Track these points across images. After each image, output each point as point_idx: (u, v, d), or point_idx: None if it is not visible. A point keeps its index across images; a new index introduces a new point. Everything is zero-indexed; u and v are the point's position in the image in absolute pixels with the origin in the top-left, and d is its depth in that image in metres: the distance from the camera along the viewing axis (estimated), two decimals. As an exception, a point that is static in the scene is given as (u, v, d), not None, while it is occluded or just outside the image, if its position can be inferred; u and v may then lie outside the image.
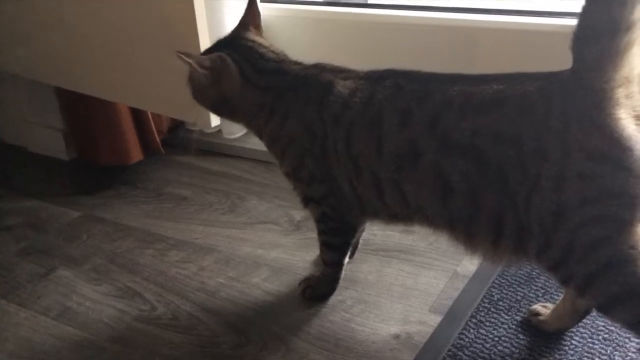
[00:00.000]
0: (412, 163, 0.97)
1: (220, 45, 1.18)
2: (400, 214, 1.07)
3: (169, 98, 1.45)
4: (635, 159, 0.81)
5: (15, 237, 1.52)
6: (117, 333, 1.19)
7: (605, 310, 0.89)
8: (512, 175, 0.88)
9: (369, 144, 1.01)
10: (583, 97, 0.84)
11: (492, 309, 1.15)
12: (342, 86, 1.06)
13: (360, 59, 1.54)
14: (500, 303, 1.16)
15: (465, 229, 0.97)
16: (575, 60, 0.85)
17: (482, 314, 1.14)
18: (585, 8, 0.83)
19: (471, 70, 1.42)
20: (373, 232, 1.40)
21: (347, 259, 1.24)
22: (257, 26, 1.21)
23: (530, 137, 0.86)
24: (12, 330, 1.21)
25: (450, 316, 1.16)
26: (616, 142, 0.81)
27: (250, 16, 1.20)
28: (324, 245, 1.22)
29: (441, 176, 0.94)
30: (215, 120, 1.44)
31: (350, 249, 1.24)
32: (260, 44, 1.17)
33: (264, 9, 1.66)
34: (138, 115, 1.71)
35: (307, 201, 1.18)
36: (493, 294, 1.18)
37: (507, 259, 0.96)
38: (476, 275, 1.25)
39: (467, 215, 0.95)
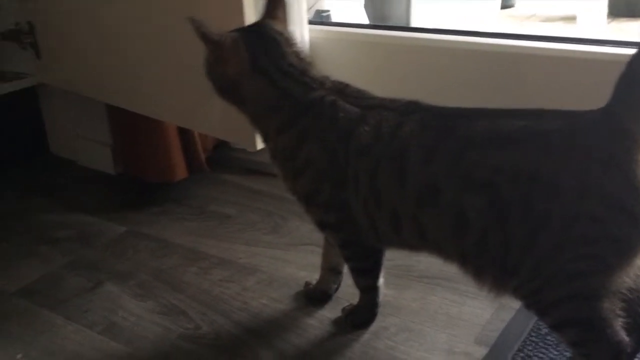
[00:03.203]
0: (433, 199, 0.96)
1: (244, 29, 1.13)
2: (415, 245, 1.07)
3: (217, 119, 1.48)
4: None
5: (63, 250, 1.56)
6: (162, 350, 1.21)
7: (557, 329, 0.95)
8: (513, 214, 0.89)
9: (392, 178, 1.00)
10: (613, 139, 0.85)
11: (541, 344, 1.13)
12: (371, 117, 1.03)
13: (402, 82, 1.55)
14: (549, 337, 1.14)
15: (475, 264, 0.97)
16: (613, 101, 0.86)
17: (530, 347, 1.12)
18: (637, 57, 0.84)
19: (512, 96, 1.43)
20: (417, 259, 1.39)
21: (381, 281, 1.22)
22: (280, 18, 1.13)
23: (547, 175, 0.87)
24: (59, 344, 1.24)
25: (497, 349, 1.14)
26: (635, 190, 0.83)
27: (273, 6, 1.13)
28: (353, 271, 1.21)
29: (459, 212, 0.94)
30: (260, 142, 1.45)
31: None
32: (286, 41, 1.10)
33: (310, 31, 1.68)
34: (184, 134, 1.74)
35: (323, 226, 1.16)
36: (541, 327, 1.16)
37: (506, 293, 0.97)
38: (523, 307, 1.23)
39: (478, 251, 0.95)
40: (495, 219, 0.91)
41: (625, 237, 0.85)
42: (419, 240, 1.04)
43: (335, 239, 1.18)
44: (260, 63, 1.08)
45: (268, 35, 1.10)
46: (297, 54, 1.11)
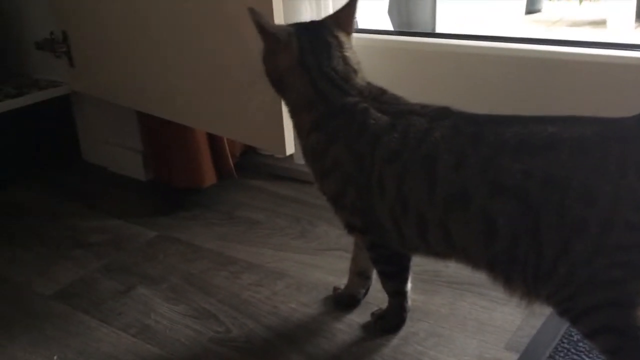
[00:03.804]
0: (462, 205, 0.96)
1: (302, 25, 1.16)
2: (441, 252, 1.07)
3: (247, 126, 1.50)
4: None
5: (97, 254, 1.59)
6: (194, 353, 1.22)
7: (590, 337, 0.94)
8: (545, 221, 0.88)
9: (420, 183, 1.01)
10: None
11: (572, 350, 1.12)
12: (400, 124, 1.04)
13: (429, 89, 1.56)
14: (581, 344, 1.13)
15: (505, 272, 0.97)
16: None
17: (561, 354, 1.11)
18: None
19: (540, 101, 1.43)
20: (445, 264, 1.39)
21: (409, 286, 1.22)
22: (347, 30, 1.15)
23: (580, 181, 0.86)
24: (94, 346, 1.27)
25: (527, 355, 1.13)
26: None
27: (344, 15, 1.16)
28: (381, 274, 1.22)
29: (489, 219, 0.94)
30: (290, 148, 1.47)
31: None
32: (338, 45, 1.13)
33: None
34: (213, 140, 1.77)
35: (350, 228, 1.17)
36: (572, 334, 1.15)
37: (538, 301, 0.97)
38: (554, 313, 1.22)
39: (508, 259, 0.95)
40: (527, 226, 0.91)
41: None
42: (446, 247, 1.04)
43: (363, 241, 1.20)
44: (306, 60, 1.11)
45: (322, 36, 1.13)
46: (345, 59, 1.13)
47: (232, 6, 1.38)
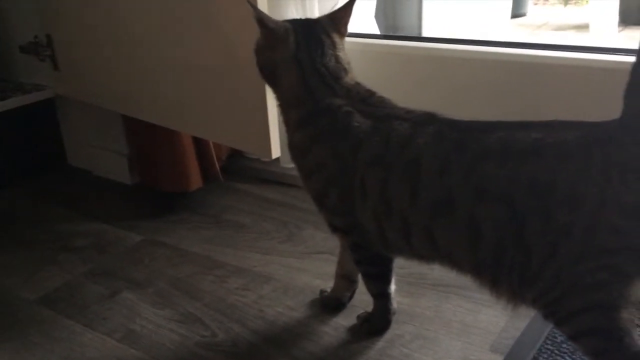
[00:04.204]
0: (446, 211, 0.97)
1: (299, 22, 1.18)
2: (425, 255, 1.07)
3: (233, 129, 1.50)
4: None
5: (82, 258, 1.58)
6: (180, 358, 1.22)
7: (575, 339, 0.95)
8: (531, 226, 0.89)
9: (404, 188, 1.01)
10: (630, 149, 0.85)
11: (556, 351, 1.13)
12: (384, 128, 1.05)
13: (415, 93, 1.57)
14: (565, 346, 1.14)
15: (491, 276, 0.98)
16: (626, 111, 0.87)
17: (545, 355, 1.12)
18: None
19: (525, 105, 1.44)
20: (430, 267, 1.40)
21: (393, 288, 1.23)
22: (341, 31, 1.17)
23: (565, 185, 0.87)
24: (79, 351, 1.26)
25: (512, 357, 1.14)
26: None
27: (340, 17, 1.17)
28: (364, 276, 1.23)
29: (474, 225, 0.95)
30: (275, 151, 1.47)
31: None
32: (331, 44, 1.14)
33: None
34: (199, 144, 1.77)
35: (334, 228, 1.18)
36: (556, 335, 1.16)
37: (524, 304, 0.97)
38: (538, 315, 1.23)
39: (493, 263, 0.95)
40: (513, 231, 0.91)
41: None
42: (430, 250, 1.04)
43: (346, 242, 1.21)
44: (300, 56, 1.13)
45: (316, 34, 1.14)
46: (337, 58, 1.14)
47: (217, 10, 1.38)
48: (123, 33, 1.63)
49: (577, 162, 0.88)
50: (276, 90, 1.20)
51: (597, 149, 0.87)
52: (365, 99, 1.12)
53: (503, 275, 0.95)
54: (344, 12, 1.18)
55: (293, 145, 1.17)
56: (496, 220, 0.92)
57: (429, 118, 1.04)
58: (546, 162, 0.89)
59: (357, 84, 1.14)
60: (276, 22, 1.14)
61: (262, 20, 1.13)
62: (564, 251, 0.88)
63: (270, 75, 1.19)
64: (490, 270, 0.97)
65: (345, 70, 1.15)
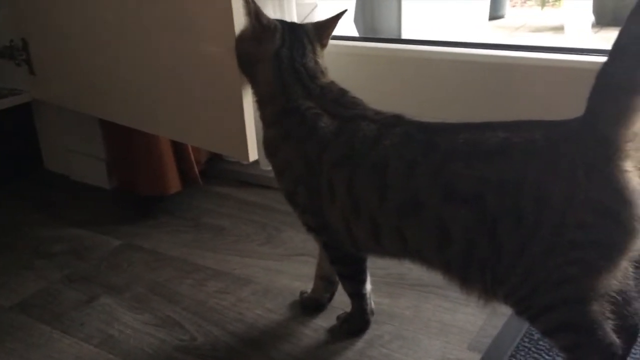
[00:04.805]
0: (414, 212, 0.98)
1: (286, 23, 1.20)
2: (395, 253, 1.09)
3: (210, 132, 1.49)
4: (631, 213, 0.85)
5: (59, 264, 1.56)
6: (158, 362, 1.21)
7: (548, 334, 0.97)
8: (502, 225, 0.90)
9: (371, 189, 1.02)
10: (594, 147, 0.87)
11: (533, 349, 1.14)
12: (350, 129, 1.06)
13: (393, 94, 1.57)
14: (541, 343, 1.15)
15: (460, 273, 0.99)
16: (589, 110, 0.88)
17: (522, 353, 1.13)
18: (608, 65, 0.86)
19: (504, 106, 1.45)
20: (409, 267, 1.40)
21: (368, 288, 1.23)
22: (323, 42, 1.20)
23: (533, 183, 0.89)
24: (56, 357, 1.24)
25: (489, 355, 1.15)
26: (619, 195, 0.85)
27: (324, 27, 1.20)
28: (338, 275, 1.24)
29: (442, 225, 0.96)
30: (253, 154, 1.47)
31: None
32: (312, 48, 1.17)
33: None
34: (178, 147, 1.76)
35: (308, 227, 1.19)
36: (533, 333, 1.17)
37: (495, 300, 0.98)
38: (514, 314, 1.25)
39: (463, 261, 0.97)
40: (483, 230, 0.92)
41: (612, 241, 0.87)
42: (399, 249, 1.06)
43: (319, 241, 1.21)
44: (281, 52, 1.14)
45: (299, 35, 1.17)
46: (316, 61, 1.16)
47: (194, 13, 1.38)
48: (97, 37, 1.62)
49: (544, 160, 0.89)
50: (253, 84, 1.21)
51: (562, 146, 0.89)
52: (337, 99, 1.13)
53: (473, 273, 0.96)
54: (330, 24, 1.21)
55: (266, 141, 1.18)
56: (465, 220, 0.93)
57: (396, 120, 1.05)
58: (514, 161, 0.91)
59: (332, 82, 1.16)
60: (269, 19, 1.16)
61: (257, 15, 1.15)
62: (533, 247, 0.89)
63: (247, 66, 1.20)
64: (460, 267, 0.98)
65: (322, 73, 1.17)
